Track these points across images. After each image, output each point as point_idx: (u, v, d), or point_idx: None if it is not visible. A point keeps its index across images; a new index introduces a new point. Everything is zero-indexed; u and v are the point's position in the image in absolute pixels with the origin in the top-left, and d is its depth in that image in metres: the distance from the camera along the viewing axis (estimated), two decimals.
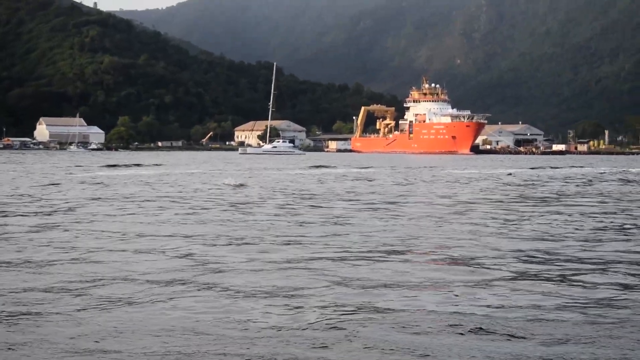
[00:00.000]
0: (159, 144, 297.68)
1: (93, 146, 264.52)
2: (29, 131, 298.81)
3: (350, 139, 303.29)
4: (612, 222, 29.02)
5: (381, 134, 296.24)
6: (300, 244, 21.52)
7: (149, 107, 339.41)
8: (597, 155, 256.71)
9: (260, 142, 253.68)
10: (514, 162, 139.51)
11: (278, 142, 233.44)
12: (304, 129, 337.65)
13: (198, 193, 43.74)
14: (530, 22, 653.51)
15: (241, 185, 51.87)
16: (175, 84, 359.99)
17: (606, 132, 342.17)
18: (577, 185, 57.40)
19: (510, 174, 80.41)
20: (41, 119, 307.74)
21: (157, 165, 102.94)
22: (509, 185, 57.21)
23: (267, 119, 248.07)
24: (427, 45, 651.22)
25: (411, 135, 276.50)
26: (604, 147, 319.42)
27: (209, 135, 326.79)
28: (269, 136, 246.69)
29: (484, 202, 38.88)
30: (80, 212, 30.90)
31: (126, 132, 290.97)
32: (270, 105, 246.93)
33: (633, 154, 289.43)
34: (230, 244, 21.35)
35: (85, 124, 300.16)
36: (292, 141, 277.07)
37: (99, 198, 38.86)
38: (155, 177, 64.19)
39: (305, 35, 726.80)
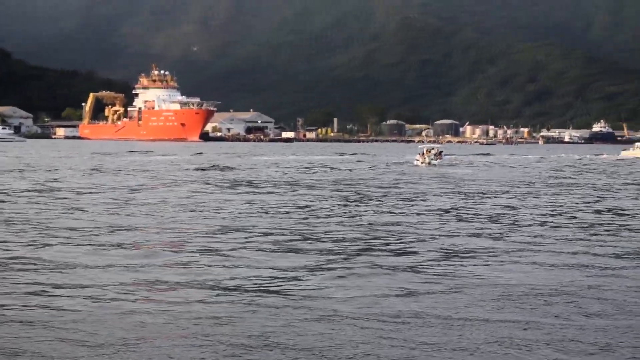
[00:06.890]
0: None
1: None
2: None
3: (79, 126, 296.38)
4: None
5: (110, 120, 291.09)
6: None
7: None
8: (322, 143, 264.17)
9: None
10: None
11: None
12: (31, 115, 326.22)
13: None
14: (267, 12, 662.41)
15: None
16: None
17: (335, 120, 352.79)
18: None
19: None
20: None
21: None
22: None
23: None
24: (164, 31, 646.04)
25: (140, 122, 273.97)
26: (332, 134, 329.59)
27: None
28: None
29: None
30: None
31: None
32: None
33: (360, 141, 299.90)
34: None
35: None
36: (17, 128, 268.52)
37: None
38: None
39: (40, 20, 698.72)
